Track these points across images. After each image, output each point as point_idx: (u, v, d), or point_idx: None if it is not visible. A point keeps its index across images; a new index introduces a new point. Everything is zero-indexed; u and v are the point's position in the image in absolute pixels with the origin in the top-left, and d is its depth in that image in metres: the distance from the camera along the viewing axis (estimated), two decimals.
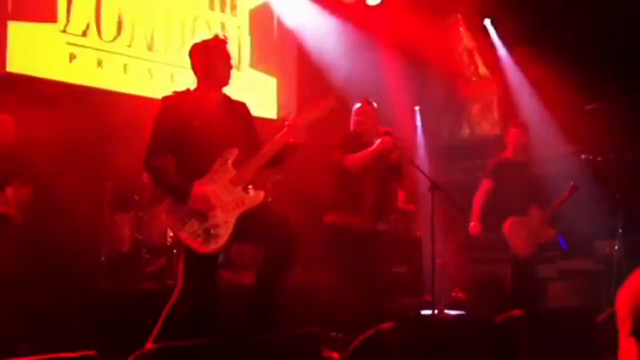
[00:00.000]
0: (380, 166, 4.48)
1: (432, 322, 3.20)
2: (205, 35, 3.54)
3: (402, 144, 4.43)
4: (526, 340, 3.29)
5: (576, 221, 6.00)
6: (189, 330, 3.11)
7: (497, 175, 5.32)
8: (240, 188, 3.25)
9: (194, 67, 3.43)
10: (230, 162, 3.27)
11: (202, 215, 3.15)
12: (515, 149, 5.43)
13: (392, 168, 4.52)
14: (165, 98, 3.37)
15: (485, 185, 5.30)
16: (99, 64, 5.91)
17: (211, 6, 6.78)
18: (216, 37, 3.48)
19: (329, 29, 6.99)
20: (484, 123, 7.58)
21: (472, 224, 5.21)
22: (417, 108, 7.87)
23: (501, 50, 7.23)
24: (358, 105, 4.61)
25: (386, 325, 2.82)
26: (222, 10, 6.88)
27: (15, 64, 5.42)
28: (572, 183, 5.39)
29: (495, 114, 7.49)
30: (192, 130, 3.26)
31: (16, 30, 5.44)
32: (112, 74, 5.98)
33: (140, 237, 5.33)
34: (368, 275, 4.41)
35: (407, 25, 7.11)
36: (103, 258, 5.22)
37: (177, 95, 3.40)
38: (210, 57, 3.37)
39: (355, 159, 4.36)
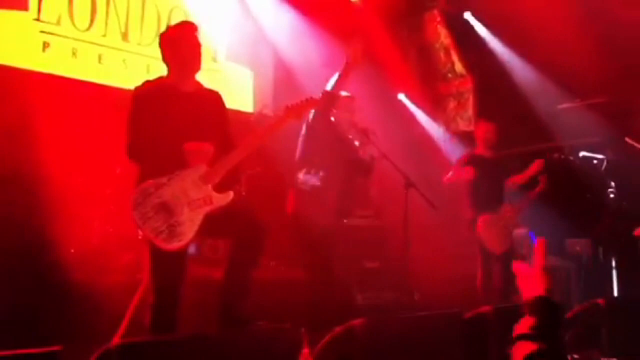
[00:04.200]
0: (349, 161, 4.46)
1: (402, 319, 3.21)
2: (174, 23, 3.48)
3: (376, 140, 4.39)
4: (495, 336, 3.32)
5: (548, 219, 6.08)
6: (155, 326, 3.08)
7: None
8: (209, 186, 3.20)
9: (163, 57, 3.34)
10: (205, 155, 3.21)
11: (168, 211, 3.09)
12: (485, 145, 5.47)
13: (361, 163, 4.50)
14: (137, 89, 3.28)
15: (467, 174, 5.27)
16: (74, 53, 5.83)
17: None
18: (184, 23, 3.41)
19: (301, 22, 6.95)
20: (459, 120, 7.64)
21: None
22: (400, 97, 7.80)
23: (487, 39, 7.24)
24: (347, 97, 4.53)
25: (357, 321, 2.82)
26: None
27: None
28: (543, 177, 5.46)
29: (470, 111, 7.54)
30: (165, 123, 3.18)
31: None
32: (86, 64, 5.90)
33: (110, 230, 5.27)
34: (331, 269, 4.41)
35: (384, 21, 7.13)
36: (72, 250, 5.15)
37: (149, 84, 3.31)
38: (178, 45, 3.28)
39: None
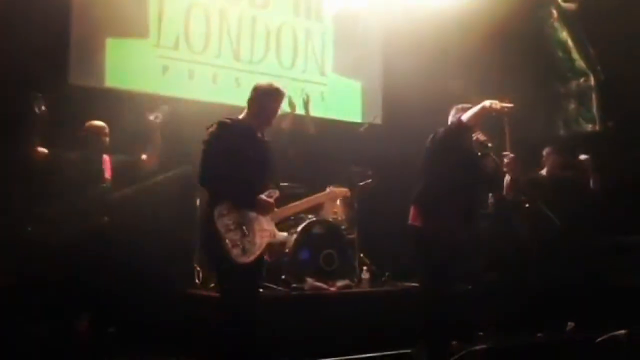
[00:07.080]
0: (473, 173, 4.41)
1: (524, 346, 3.07)
2: (272, 81, 3.92)
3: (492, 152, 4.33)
4: None
5: None
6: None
7: None
8: (274, 223, 3.75)
9: (250, 101, 3.81)
10: (273, 199, 3.73)
11: (243, 229, 3.56)
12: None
13: (485, 176, 4.51)
14: (221, 123, 3.68)
15: None
16: (190, 75, 6.11)
17: (296, 12, 6.83)
18: (279, 90, 3.83)
19: (408, 33, 6.85)
20: (581, 121, 7.18)
21: None
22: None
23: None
24: None
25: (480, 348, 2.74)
26: (308, 16, 6.90)
27: (114, 79, 5.66)
28: None
29: (594, 111, 7.07)
30: (246, 158, 3.63)
31: (113, 46, 5.65)
32: (202, 84, 6.16)
33: None
34: (449, 285, 4.35)
35: (496, 20, 6.86)
36: (195, 264, 5.39)
37: (232, 122, 3.73)
38: (268, 102, 3.79)
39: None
